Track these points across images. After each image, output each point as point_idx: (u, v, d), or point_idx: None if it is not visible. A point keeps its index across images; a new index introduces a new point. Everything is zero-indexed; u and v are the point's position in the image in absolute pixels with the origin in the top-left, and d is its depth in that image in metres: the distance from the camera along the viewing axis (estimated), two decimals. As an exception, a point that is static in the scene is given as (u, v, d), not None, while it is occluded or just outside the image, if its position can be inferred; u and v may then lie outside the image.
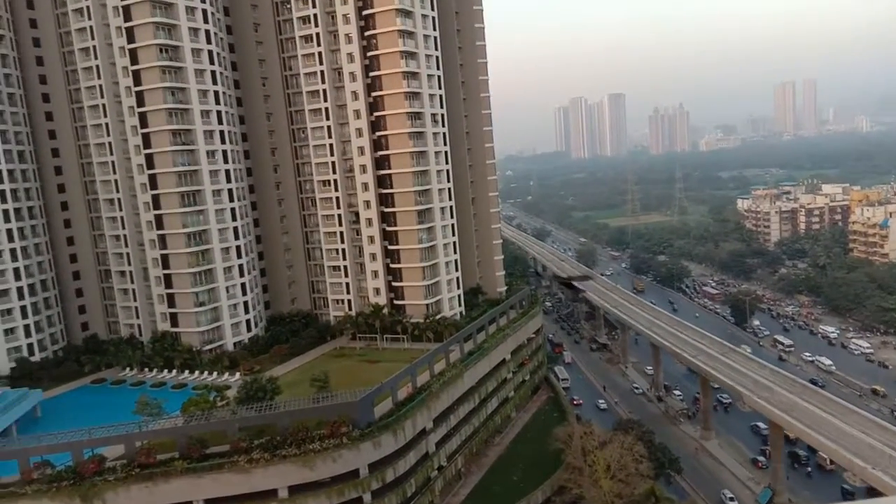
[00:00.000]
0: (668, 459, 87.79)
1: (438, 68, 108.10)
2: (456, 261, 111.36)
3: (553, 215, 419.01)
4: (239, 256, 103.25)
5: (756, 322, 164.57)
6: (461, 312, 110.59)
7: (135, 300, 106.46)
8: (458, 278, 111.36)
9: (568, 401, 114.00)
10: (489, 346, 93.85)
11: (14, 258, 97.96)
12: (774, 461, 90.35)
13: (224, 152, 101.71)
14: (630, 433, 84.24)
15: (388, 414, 69.18)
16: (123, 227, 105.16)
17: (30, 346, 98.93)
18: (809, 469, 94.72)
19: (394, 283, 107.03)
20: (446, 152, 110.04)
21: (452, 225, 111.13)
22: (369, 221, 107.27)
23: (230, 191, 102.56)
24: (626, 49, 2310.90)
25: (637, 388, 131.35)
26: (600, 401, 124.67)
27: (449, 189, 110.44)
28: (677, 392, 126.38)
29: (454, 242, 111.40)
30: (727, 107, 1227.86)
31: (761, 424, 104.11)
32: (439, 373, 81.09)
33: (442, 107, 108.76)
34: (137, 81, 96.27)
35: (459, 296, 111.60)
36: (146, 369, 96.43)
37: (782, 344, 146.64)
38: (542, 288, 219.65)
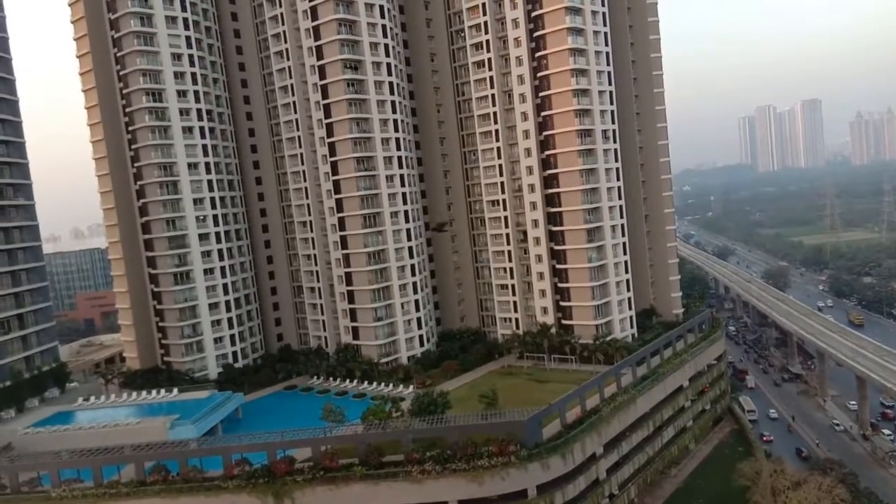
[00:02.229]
0: (876, 508, 77.54)
1: (610, 84, 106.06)
2: (628, 280, 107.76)
3: (737, 233, 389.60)
4: (413, 274, 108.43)
5: None
6: (633, 334, 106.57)
7: (322, 314, 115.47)
8: (629, 299, 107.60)
9: (756, 435, 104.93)
10: (664, 372, 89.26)
11: (223, 275, 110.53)
12: None
13: (401, 176, 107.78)
14: (829, 474, 75.73)
15: (557, 436, 68.27)
16: (314, 248, 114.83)
17: (234, 353, 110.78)
18: None
19: (562, 303, 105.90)
20: (617, 169, 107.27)
21: (624, 243, 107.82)
22: (537, 240, 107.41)
23: (406, 212, 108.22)
24: (818, 55, 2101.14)
25: (837, 424, 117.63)
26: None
27: (620, 206, 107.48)
28: (887, 431, 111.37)
29: (626, 261, 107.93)
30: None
31: None
32: (610, 396, 78.58)
33: (613, 123, 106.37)
34: (327, 114, 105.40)
35: (631, 317, 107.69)
36: (331, 378, 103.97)
37: None
38: (724, 311, 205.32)
